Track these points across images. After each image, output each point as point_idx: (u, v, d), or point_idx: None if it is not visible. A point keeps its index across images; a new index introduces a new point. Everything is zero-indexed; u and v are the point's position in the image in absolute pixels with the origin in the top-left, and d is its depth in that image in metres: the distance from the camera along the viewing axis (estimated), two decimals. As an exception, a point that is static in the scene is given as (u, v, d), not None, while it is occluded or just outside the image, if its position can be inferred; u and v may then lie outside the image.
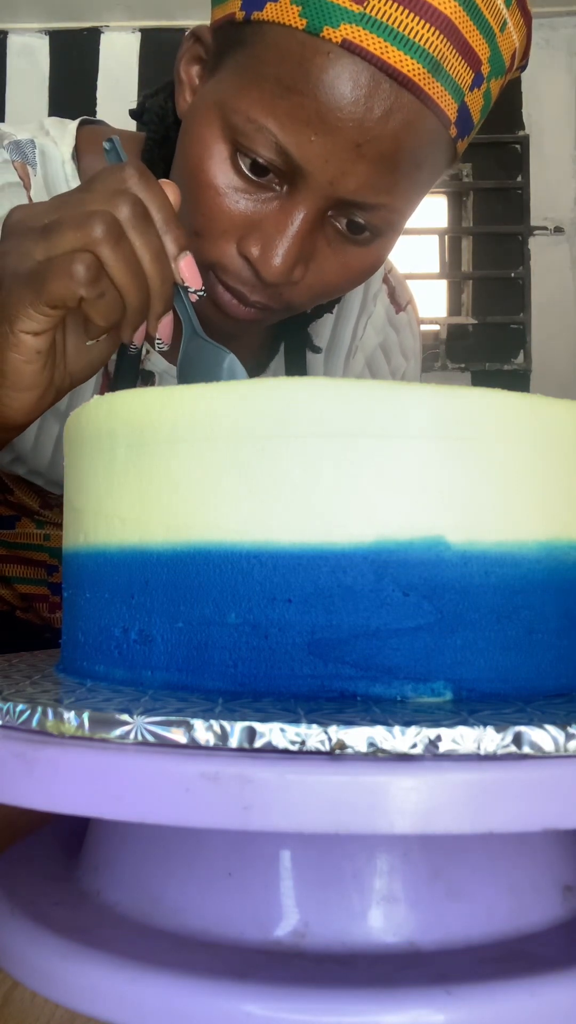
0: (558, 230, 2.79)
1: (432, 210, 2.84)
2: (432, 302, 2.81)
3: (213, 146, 0.61)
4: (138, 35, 2.85)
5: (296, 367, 0.83)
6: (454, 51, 0.58)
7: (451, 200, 2.84)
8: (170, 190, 0.54)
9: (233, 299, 0.64)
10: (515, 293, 2.78)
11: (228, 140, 0.60)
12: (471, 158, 2.80)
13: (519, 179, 2.79)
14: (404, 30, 0.56)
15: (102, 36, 2.87)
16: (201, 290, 0.55)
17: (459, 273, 2.80)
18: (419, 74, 0.57)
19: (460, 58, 0.58)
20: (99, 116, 2.73)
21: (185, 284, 0.54)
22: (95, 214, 0.50)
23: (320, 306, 0.81)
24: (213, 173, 0.61)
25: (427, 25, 0.56)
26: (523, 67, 0.67)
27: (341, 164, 0.58)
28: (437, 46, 0.57)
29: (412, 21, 0.56)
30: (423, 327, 2.81)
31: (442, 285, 2.84)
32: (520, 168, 2.79)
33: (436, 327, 2.77)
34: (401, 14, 0.56)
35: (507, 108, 2.78)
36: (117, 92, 2.77)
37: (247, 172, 0.61)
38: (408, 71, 0.56)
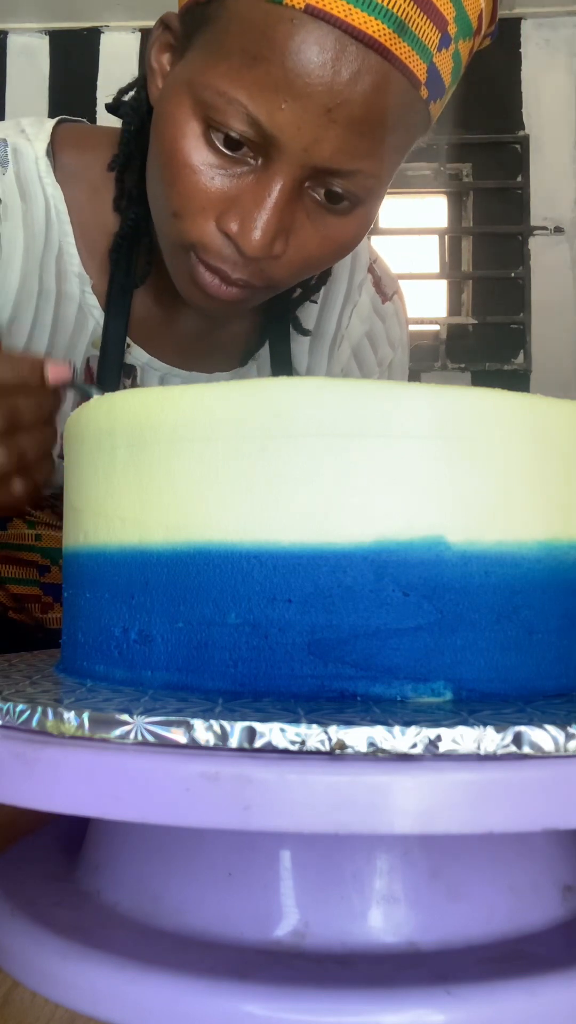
0: (558, 230, 2.79)
1: (432, 210, 2.84)
2: (432, 302, 2.81)
3: (185, 125, 0.61)
4: (138, 35, 2.85)
5: (280, 356, 0.82)
6: (419, 11, 0.58)
7: (451, 200, 2.84)
8: (24, 366, 0.55)
9: (215, 279, 0.64)
10: (515, 293, 2.78)
11: (200, 117, 0.60)
12: (471, 158, 2.80)
13: (519, 179, 2.79)
14: None
15: (102, 36, 2.87)
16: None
17: (459, 273, 2.80)
18: (385, 35, 0.57)
19: (425, 18, 0.58)
20: (99, 116, 2.73)
21: (65, 384, 0.55)
22: None
23: (305, 292, 0.81)
24: (187, 152, 0.61)
25: None
26: (492, 34, 0.66)
27: (313, 130, 0.58)
28: (401, 6, 0.57)
29: None
30: (423, 327, 2.82)
31: (442, 285, 2.84)
32: (520, 168, 2.79)
33: (436, 327, 2.77)
34: None
35: (507, 108, 2.79)
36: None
37: (221, 147, 0.60)
38: (373, 32, 0.56)
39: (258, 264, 0.63)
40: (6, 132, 0.74)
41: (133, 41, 2.86)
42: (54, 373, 0.54)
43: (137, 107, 0.73)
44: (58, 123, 0.77)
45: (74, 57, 2.87)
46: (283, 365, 0.83)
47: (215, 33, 0.59)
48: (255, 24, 0.57)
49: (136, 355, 0.78)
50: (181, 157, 0.61)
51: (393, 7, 0.56)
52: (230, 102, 0.58)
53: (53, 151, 0.75)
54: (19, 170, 0.73)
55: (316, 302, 0.85)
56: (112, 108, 0.76)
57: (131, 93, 0.75)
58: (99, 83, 2.86)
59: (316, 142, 0.58)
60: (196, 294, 0.66)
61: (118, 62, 2.85)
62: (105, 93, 2.82)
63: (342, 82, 0.57)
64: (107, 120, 0.83)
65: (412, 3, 0.57)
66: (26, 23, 2.85)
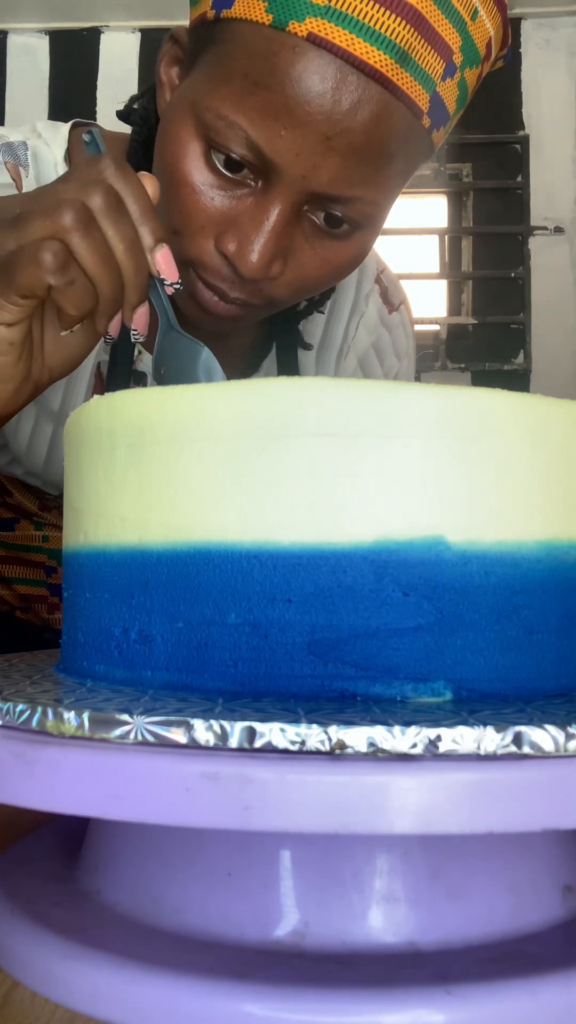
0: (558, 230, 2.78)
1: (432, 210, 2.84)
2: (432, 302, 2.80)
3: (188, 144, 0.61)
4: (138, 35, 2.85)
5: (288, 366, 0.83)
6: (423, 41, 0.57)
7: (451, 200, 2.84)
8: (148, 182, 0.53)
9: (214, 296, 0.65)
10: (515, 293, 2.78)
11: (202, 137, 0.61)
12: (471, 158, 2.79)
13: (519, 179, 2.79)
14: (370, 22, 0.56)
15: (102, 36, 2.87)
16: (178, 283, 0.54)
17: (459, 273, 2.80)
18: (387, 65, 0.57)
19: (429, 48, 0.58)
20: (99, 116, 2.73)
21: (161, 276, 0.54)
22: (65, 202, 0.49)
23: (311, 304, 0.81)
24: (188, 171, 0.61)
25: (393, 16, 0.56)
26: (505, 56, 0.66)
27: (312, 158, 0.58)
28: (405, 37, 0.56)
29: (378, 12, 0.56)
30: (423, 327, 2.82)
31: (442, 285, 2.84)
32: (520, 168, 2.79)
33: (436, 327, 2.77)
34: (367, 6, 0.56)
35: (507, 108, 2.78)
36: (117, 92, 2.77)
37: (221, 169, 0.61)
38: (375, 63, 0.56)
39: (256, 284, 0.63)
40: (25, 135, 0.74)
41: (133, 41, 2.85)
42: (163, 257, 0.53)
43: (146, 117, 0.73)
44: (72, 127, 0.77)
45: (74, 57, 2.87)
46: (289, 376, 0.83)
47: (220, 54, 0.59)
48: (258, 49, 0.57)
49: (146, 362, 0.78)
50: (182, 176, 0.61)
51: (396, 38, 0.56)
52: (231, 126, 0.58)
53: (70, 156, 0.75)
54: (39, 174, 0.73)
55: (323, 312, 0.85)
56: (123, 116, 0.76)
57: (141, 101, 0.75)
58: (99, 83, 2.86)
59: (314, 169, 0.59)
60: (195, 310, 0.67)
61: (118, 62, 2.85)
62: (105, 93, 2.83)
63: (342, 111, 0.57)
64: (106, 120, 0.83)
65: (416, 33, 0.57)
66: (26, 23, 2.85)
